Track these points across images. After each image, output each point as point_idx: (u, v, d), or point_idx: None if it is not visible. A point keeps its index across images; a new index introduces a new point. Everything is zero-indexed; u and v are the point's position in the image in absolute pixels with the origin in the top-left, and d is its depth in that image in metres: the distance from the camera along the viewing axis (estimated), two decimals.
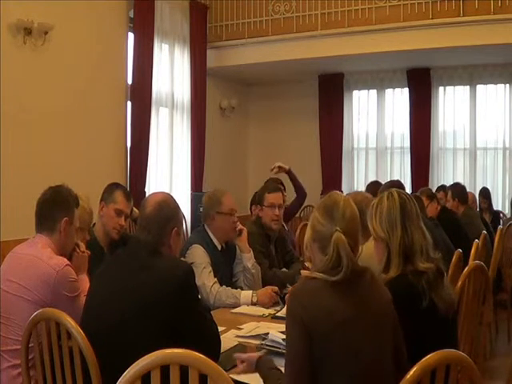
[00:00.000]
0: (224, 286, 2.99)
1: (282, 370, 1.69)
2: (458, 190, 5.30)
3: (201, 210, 6.25)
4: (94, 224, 3.00)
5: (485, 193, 6.29)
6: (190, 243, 3.11)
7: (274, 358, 2.04)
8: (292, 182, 4.78)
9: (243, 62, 6.91)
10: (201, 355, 1.33)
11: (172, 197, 2.14)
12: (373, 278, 1.76)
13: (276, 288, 3.02)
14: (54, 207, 2.33)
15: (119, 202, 2.94)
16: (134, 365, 1.33)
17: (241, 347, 2.23)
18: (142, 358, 1.34)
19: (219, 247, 3.18)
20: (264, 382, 1.77)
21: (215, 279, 2.98)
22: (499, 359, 4.15)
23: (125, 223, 2.99)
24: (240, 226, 3.22)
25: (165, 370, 1.34)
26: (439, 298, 1.87)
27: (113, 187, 3.02)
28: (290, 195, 4.86)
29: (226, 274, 3.19)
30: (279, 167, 4.75)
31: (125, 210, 2.96)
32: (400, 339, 1.73)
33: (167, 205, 2.05)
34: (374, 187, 4.09)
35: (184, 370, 1.34)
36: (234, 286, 3.17)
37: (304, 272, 2.25)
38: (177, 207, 2.11)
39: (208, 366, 1.32)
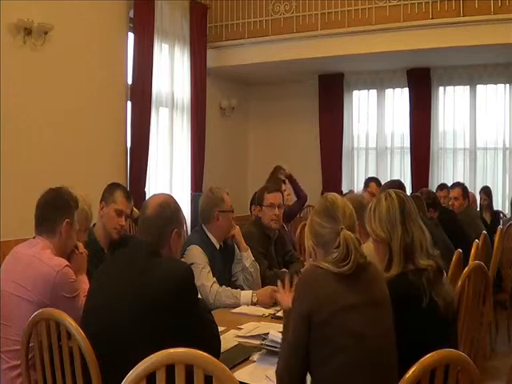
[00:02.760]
0: (224, 286, 2.99)
1: None
2: (466, 189, 5.33)
3: None
4: (94, 224, 2.99)
5: (486, 190, 6.29)
6: (187, 244, 3.11)
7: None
8: (293, 188, 4.79)
9: (243, 62, 6.91)
10: (206, 354, 1.34)
11: (173, 198, 2.13)
12: (376, 271, 1.82)
13: (276, 288, 3.02)
14: (55, 209, 2.33)
15: (119, 202, 2.94)
16: (139, 364, 1.34)
17: (241, 347, 2.23)
18: (147, 358, 1.34)
19: (218, 246, 3.19)
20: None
21: (214, 279, 2.98)
22: (499, 359, 4.15)
23: (125, 223, 2.99)
24: (233, 227, 3.25)
25: (168, 370, 1.34)
26: (439, 296, 1.88)
27: (113, 187, 3.01)
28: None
29: (224, 273, 3.20)
30: (278, 167, 4.75)
31: (125, 210, 2.96)
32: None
33: (168, 206, 2.05)
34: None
35: (188, 370, 1.34)
36: (233, 285, 3.17)
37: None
38: (178, 209, 2.11)
39: (213, 365, 1.33)
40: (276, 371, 1.72)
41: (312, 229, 1.81)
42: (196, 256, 3.01)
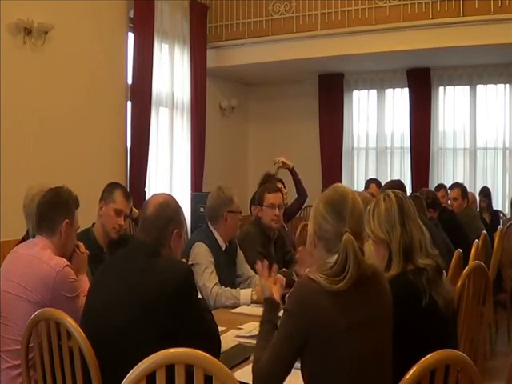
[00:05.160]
0: (223, 287, 2.98)
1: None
2: (465, 189, 5.34)
3: (201, 210, 6.32)
4: (94, 224, 3.00)
5: (485, 192, 6.29)
6: (192, 241, 3.10)
7: None
8: (294, 182, 4.78)
9: (243, 62, 6.90)
10: (206, 354, 1.34)
11: (174, 198, 2.13)
12: (379, 280, 1.72)
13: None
14: (54, 209, 2.33)
15: (118, 201, 2.94)
16: (139, 364, 1.34)
17: (241, 347, 2.23)
18: (147, 358, 1.34)
19: (223, 247, 3.18)
20: (260, 323, 1.83)
21: (216, 280, 2.97)
22: (499, 359, 4.15)
23: (124, 223, 2.99)
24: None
25: (168, 370, 1.34)
26: (439, 295, 1.88)
27: (112, 187, 3.01)
28: (290, 192, 4.86)
29: (229, 273, 3.20)
30: (282, 162, 4.75)
31: (124, 209, 2.96)
32: (392, 342, 1.73)
33: (168, 206, 2.05)
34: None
35: (188, 370, 1.34)
36: (238, 287, 3.19)
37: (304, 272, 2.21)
38: (178, 209, 2.11)
39: (213, 365, 1.33)
40: (255, 369, 1.64)
41: (316, 216, 1.68)
42: (201, 254, 3.00)
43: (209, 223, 3.19)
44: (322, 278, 1.59)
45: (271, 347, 1.63)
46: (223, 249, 3.17)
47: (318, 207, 1.68)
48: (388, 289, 1.74)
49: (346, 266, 1.58)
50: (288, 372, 1.62)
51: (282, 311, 2.41)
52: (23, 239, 2.72)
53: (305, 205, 7.04)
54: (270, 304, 1.93)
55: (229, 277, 3.15)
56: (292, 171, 4.76)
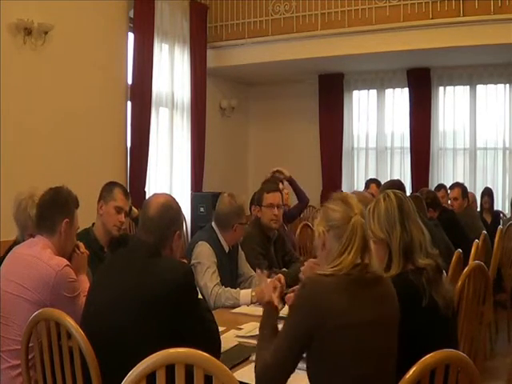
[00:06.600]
0: (223, 288, 2.98)
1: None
2: (465, 189, 5.34)
3: (201, 210, 6.31)
4: (94, 224, 3.00)
5: (489, 193, 6.28)
6: (196, 240, 3.11)
7: None
8: (294, 191, 4.77)
9: (243, 62, 6.91)
10: (206, 354, 1.34)
11: (174, 199, 2.13)
12: (389, 286, 1.76)
13: (277, 283, 3.01)
14: (54, 209, 2.34)
15: (119, 199, 2.95)
16: (139, 364, 1.34)
17: (241, 347, 2.23)
18: (147, 358, 1.34)
19: (227, 250, 3.19)
20: (260, 328, 1.85)
21: (218, 280, 2.97)
22: (499, 359, 4.15)
23: (124, 220, 3.00)
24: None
25: (168, 370, 1.34)
26: (439, 295, 1.88)
27: (111, 186, 3.03)
28: (291, 196, 4.86)
29: (231, 274, 3.21)
30: (278, 171, 4.69)
31: (124, 206, 2.97)
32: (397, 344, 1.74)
33: (171, 207, 2.05)
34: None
35: (188, 370, 1.34)
36: (238, 286, 3.19)
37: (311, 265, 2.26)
38: (179, 210, 2.11)
39: (213, 365, 1.33)
40: (259, 369, 1.66)
41: (324, 214, 1.75)
42: (204, 254, 3.01)
43: (214, 225, 3.19)
44: (329, 268, 1.65)
45: (277, 346, 1.64)
46: (226, 251, 3.18)
47: (325, 207, 1.77)
48: (393, 292, 1.76)
49: (351, 242, 1.65)
50: (292, 370, 1.63)
51: (285, 308, 2.43)
52: (10, 248, 2.61)
53: None
54: (269, 309, 1.95)
55: (231, 278, 3.16)
56: (290, 180, 4.73)
